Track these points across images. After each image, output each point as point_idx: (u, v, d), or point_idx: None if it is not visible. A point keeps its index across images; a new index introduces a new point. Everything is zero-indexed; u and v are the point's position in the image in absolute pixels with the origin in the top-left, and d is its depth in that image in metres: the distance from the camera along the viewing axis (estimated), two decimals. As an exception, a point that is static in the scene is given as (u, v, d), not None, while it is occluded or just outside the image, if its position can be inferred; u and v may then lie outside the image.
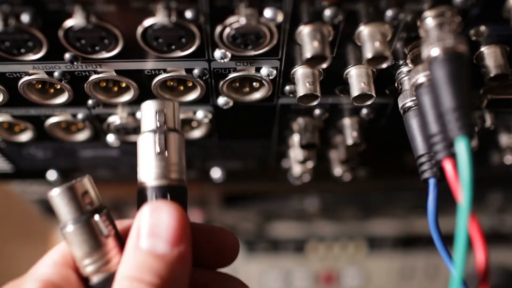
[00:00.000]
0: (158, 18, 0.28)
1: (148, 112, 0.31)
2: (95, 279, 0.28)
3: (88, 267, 0.27)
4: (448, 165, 0.27)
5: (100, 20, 0.28)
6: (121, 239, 0.29)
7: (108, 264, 0.28)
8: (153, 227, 0.27)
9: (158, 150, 0.30)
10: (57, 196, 0.27)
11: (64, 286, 0.27)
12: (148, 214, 0.27)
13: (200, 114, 0.40)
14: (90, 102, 0.37)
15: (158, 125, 0.31)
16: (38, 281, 0.27)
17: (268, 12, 0.28)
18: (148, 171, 0.30)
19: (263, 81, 0.36)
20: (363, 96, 0.34)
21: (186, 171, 0.32)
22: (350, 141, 0.42)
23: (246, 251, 0.84)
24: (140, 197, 0.30)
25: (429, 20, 0.29)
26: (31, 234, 0.81)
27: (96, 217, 0.28)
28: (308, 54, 0.29)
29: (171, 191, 0.30)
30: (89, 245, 0.27)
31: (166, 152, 0.30)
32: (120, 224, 0.30)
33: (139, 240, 0.27)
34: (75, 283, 0.27)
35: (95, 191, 0.29)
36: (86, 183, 0.28)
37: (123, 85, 0.36)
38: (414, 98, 0.33)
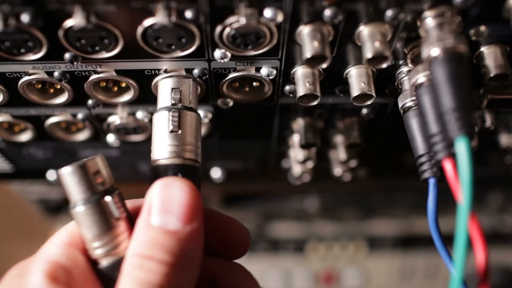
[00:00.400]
0: (158, 18, 0.28)
1: (164, 89, 0.31)
2: (104, 263, 0.27)
3: (97, 250, 0.27)
4: (448, 165, 0.27)
5: (100, 20, 0.28)
6: (133, 222, 0.28)
7: (118, 248, 0.27)
8: (164, 204, 0.26)
9: (171, 128, 0.30)
10: (68, 174, 0.26)
11: (72, 268, 0.26)
12: (159, 190, 0.27)
13: (200, 114, 0.40)
14: (90, 102, 0.37)
15: (173, 102, 0.30)
16: (46, 262, 0.26)
17: (268, 12, 0.28)
18: (161, 149, 0.30)
19: (263, 81, 0.36)
20: (363, 96, 0.34)
21: (201, 152, 0.31)
22: (350, 141, 0.42)
23: (246, 251, 0.84)
24: (153, 175, 0.30)
25: (429, 20, 0.29)
26: (31, 234, 0.81)
27: (108, 198, 0.27)
28: (308, 54, 0.29)
29: (184, 171, 0.30)
30: (99, 227, 0.27)
31: (180, 130, 0.30)
32: (133, 203, 0.29)
33: (150, 217, 0.26)
34: (83, 265, 0.27)
35: (107, 171, 0.28)
36: (99, 162, 0.27)
37: (123, 85, 0.36)
38: (414, 98, 0.33)
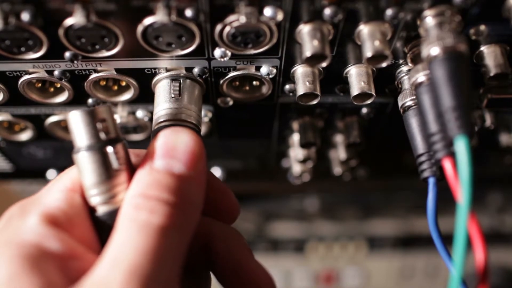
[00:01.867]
0: (158, 17, 0.28)
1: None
2: (100, 210, 0.27)
3: (95, 197, 0.27)
4: (447, 164, 0.27)
5: (100, 18, 0.28)
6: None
7: (116, 198, 0.27)
8: (170, 149, 0.26)
9: (173, 94, 0.32)
10: (75, 118, 0.26)
11: (71, 213, 0.26)
12: (164, 137, 0.27)
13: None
14: (90, 101, 0.37)
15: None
16: (45, 205, 0.26)
17: (268, 11, 0.28)
18: (162, 113, 0.32)
19: (263, 80, 0.36)
20: (363, 95, 0.34)
21: (201, 121, 0.33)
22: (350, 141, 0.42)
23: (246, 251, 0.84)
24: (154, 136, 0.30)
25: (429, 19, 0.29)
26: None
27: (110, 148, 0.27)
28: (308, 53, 0.29)
29: None
30: (99, 175, 0.26)
31: (181, 96, 0.32)
32: (138, 155, 0.29)
33: (153, 161, 0.26)
34: (83, 212, 0.26)
35: (114, 121, 0.28)
36: (107, 111, 0.27)
37: (123, 84, 0.36)
38: (414, 97, 0.33)
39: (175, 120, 0.32)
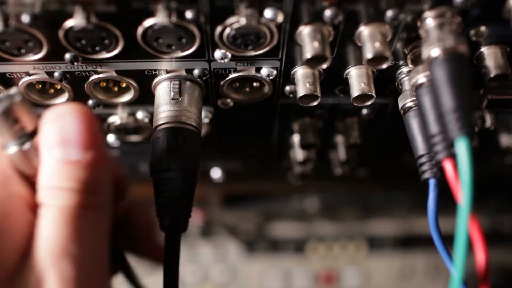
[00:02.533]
0: (158, 19, 0.28)
1: None
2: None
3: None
4: (448, 166, 0.28)
5: (100, 20, 0.28)
6: None
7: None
8: (61, 135, 0.26)
9: (173, 96, 0.32)
10: None
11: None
12: (52, 121, 0.26)
13: None
14: (90, 102, 0.37)
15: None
16: None
17: (268, 13, 0.28)
18: (162, 115, 0.32)
19: (263, 81, 0.36)
20: (363, 97, 0.34)
21: (201, 123, 0.34)
22: (350, 142, 0.42)
23: (246, 251, 0.84)
24: (154, 137, 0.32)
25: (429, 20, 0.29)
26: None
27: (27, 145, 0.27)
28: (308, 54, 0.29)
29: (184, 134, 0.31)
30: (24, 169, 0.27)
31: (181, 98, 0.32)
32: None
33: (50, 151, 0.26)
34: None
35: (29, 114, 0.27)
36: (19, 108, 0.26)
37: (123, 85, 0.36)
38: (414, 98, 0.33)
39: (175, 123, 0.32)
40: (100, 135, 0.26)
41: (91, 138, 0.26)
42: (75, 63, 0.32)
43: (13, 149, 0.27)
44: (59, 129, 0.26)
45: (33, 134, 0.27)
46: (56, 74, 0.33)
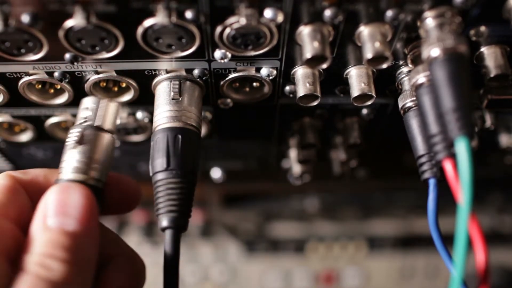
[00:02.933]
0: (158, 19, 0.28)
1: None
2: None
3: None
4: (448, 166, 0.28)
5: (100, 20, 0.28)
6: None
7: None
8: (62, 206, 0.27)
9: (172, 95, 0.33)
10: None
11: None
12: (55, 194, 0.28)
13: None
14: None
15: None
16: None
17: (268, 13, 0.28)
18: (162, 115, 0.32)
19: (263, 81, 0.36)
20: (363, 97, 0.34)
21: (201, 123, 0.34)
22: (350, 141, 0.42)
23: (246, 251, 0.84)
24: (154, 138, 0.32)
25: (429, 20, 0.29)
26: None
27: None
28: (308, 54, 0.29)
29: (183, 134, 0.32)
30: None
31: (181, 98, 0.33)
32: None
33: (47, 219, 0.27)
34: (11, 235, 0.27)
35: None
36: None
37: (123, 85, 0.36)
38: (414, 98, 0.33)
39: (175, 122, 0.32)
40: (96, 215, 0.28)
41: (89, 216, 0.27)
42: (75, 63, 0.32)
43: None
44: (62, 200, 0.27)
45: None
46: (56, 74, 0.33)
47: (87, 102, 0.33)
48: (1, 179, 0.30)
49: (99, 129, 0.32)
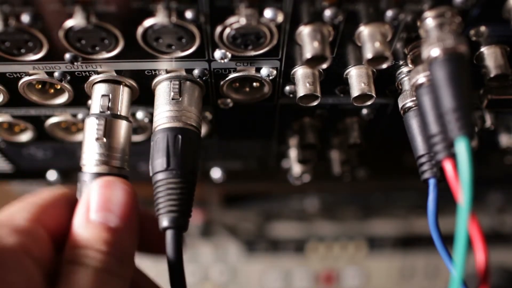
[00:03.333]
0: (158, 19, 0.28)
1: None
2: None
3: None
4: (448, 166, 0.28)
5: (100, 20, 0.28)
6: None
7: None
8: (105, 202, 0.28)
9: (172, 95, 0.33)
10: None
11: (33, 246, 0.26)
12: (99, 188, 0.28)
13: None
14: (90, 102, 0.37)
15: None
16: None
17: (268, 13, 0.28)
18: (162, 115, 0.32)
19: (263, 81, 0.36)
20: (363, 97, 0.34)
21: (201, 123, 0.34)
22: (350, 141, 0.42)
23: (246, 251, 0.84)
24: (154, 138, 0.32)
25: (429, 20, 0.29)
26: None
27: None
28: (308, 54, 0.29)
29: (183, 134, 0.32)
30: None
31: (181, 98, 0.33)
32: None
33: (89, 213, 0.27)
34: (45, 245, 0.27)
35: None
36: None
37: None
38: (414, 98, 0.33)
39: (175, 122, 0.32)
40: (137, 212, 0.29)
41: (131, 212, 0.28)
42: (75, 63, 0.32)
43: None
44: (105, 196, 0.28)
45: None
46: (56, 74, 0.33)
47: (102, 89, 0.33)
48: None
49: (120, 116, 0.33)
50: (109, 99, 0.32)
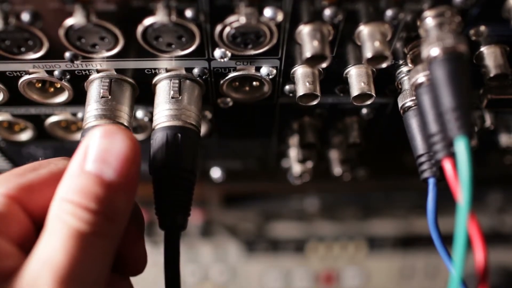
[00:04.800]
0: (158, 17, 0.28)
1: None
2: None
3: None
4: (447, 165, 0.28)
5: (100, 19, 0.28)
6: None
7: None
8: (103, 152, 0.25)
9: (172, 94, 0.33)
10: None
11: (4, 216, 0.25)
12: (99, 137, 0.26)
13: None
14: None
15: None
16: None
17: (268, 12, 0.28)
18: (162, 114, 0.32)
19: (263, 81, 0.36)
20: (363, 96, 0.34)
21: (200, 122, 0.34)
22: (350, 141, 0.42)
23: (246, 251, 0.84)
24: (153, 136, 0.32)
25: (429, 20, 0.29)
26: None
27: None
28: (308, 53, 0.29)
29: (183, 133, 0.32)
30: None
31: (180, 97, 0.33)
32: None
33: (85, 162, 0.25)
34: (17, 214, 0.26)
35: None
36: None
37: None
38: (414, 97, 0.33)
39: (175, 121, 0.32)
40: (138, 168, 0.26)
41: (129, 167, 0.25)
42: (75, 62, 0.32)
43: None
44: (104, 145, 0.25)
45: None
46: (56, 72, 0.33)
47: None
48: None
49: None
50: None
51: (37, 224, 0.27)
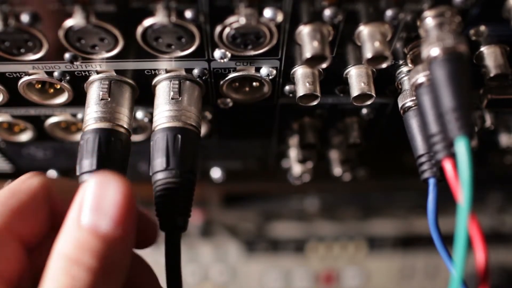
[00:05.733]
0: (158, 18, 0.28)
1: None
2: None
3: None
4: (448, 165, 0.27)
5: (100, 20, 0.28)
6: None
7: None
8: (98, 202, 0.25)
9: (172, 95, 0.33)
10: None
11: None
12: (93, 187, 0.25)
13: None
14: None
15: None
16: None
17: (268, 12, 0.28)
18: (162, 114, 0.32)
19: (263, 81, 0.36)
20: (363, 96, 0.34)
21: (200, 122, 0.34)
22: (350, 141, 0.42)
23: (246, 251, 0.84)
24: (153, 137, 0.32)
25: (429, 20, 0.29)
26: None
27: None
28: (308, 54, 0.29)
29: (183, 134, 0.31)
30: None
31: (180, 97, 0.33)
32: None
33: (80, 215, 0.25)
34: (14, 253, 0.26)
35: None
36: None
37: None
38: (414, 98, 0.33)
39: (175, 122, 0.32)
40: (134, 215, 0.25)
41: (125, 215, 0.25)
42: (75, 63, 0.32)
43: None
44: (98, 194, 0.25)
45: None
46: (56, 73, 0.33)
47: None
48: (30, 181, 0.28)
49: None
50: None
51: (29, 248, 0.27)
